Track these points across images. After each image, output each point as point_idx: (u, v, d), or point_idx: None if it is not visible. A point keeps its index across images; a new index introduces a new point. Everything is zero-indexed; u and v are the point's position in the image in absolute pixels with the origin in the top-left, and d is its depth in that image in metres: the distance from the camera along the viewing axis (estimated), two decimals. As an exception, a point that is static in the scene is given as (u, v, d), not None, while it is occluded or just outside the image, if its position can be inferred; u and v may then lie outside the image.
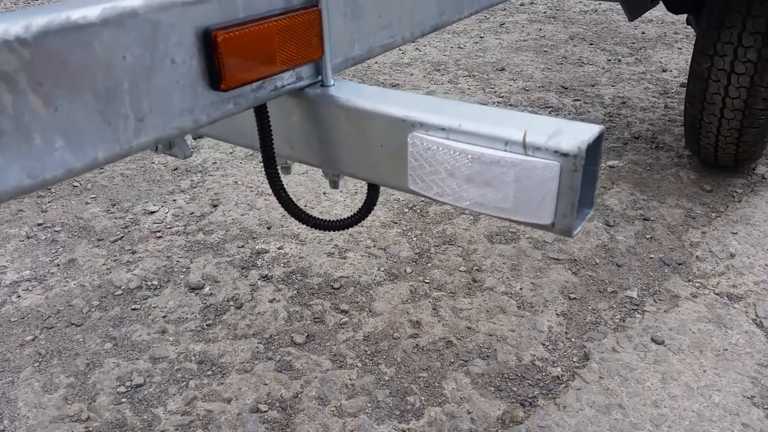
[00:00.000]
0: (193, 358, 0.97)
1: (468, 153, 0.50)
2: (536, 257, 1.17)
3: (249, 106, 0.54)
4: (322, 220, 0.63)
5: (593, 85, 2.09)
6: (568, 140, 0.46)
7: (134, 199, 1.44)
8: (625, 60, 2.32)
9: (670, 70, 2.20)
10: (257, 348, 0.99)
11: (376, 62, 2.40)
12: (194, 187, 1.47)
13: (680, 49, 2.42)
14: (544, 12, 3.11)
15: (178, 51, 0.46)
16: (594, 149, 0.47)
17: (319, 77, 0.60)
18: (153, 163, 1.59)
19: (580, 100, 1.96)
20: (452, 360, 0.95)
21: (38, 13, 0.40)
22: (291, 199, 0.62)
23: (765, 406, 0.84)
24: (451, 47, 2.56)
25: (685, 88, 1.47)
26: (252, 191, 1.44)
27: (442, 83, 2.16)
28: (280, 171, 0.63)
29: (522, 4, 3.27)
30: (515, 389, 0.89)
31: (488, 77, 2.21)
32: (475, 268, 1.15)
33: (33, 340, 1.02)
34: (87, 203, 1.43)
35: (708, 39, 1.25)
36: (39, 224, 1.35)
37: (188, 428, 0.85)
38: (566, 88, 2.06)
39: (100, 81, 0.42)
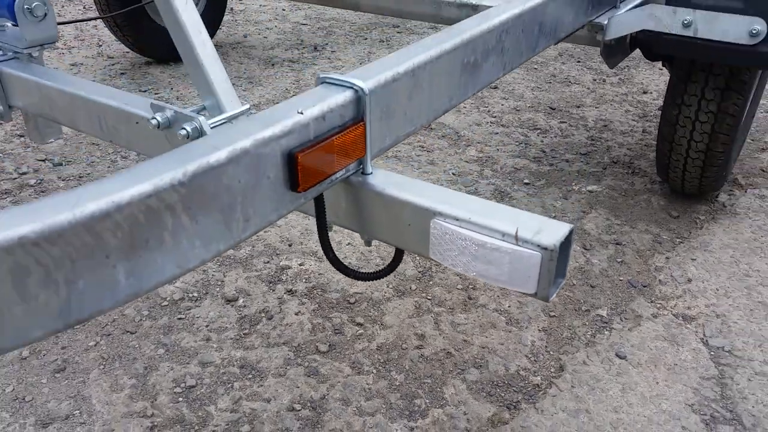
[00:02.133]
0: (235, 363, 1.16)
1: (475, 240, 0.69)
2: (523, 279, 1.36)
3: (314, 197, 0.72)
4: (361, 273, 0.82)
5: (578, 107, 2.28)
6: (547, 237, 0.65)
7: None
8: (609, 80, 2.51)
9: (650, 92, 2.40)
10: (288, 355, 1.18)
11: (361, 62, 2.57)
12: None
13: (660, 69, 2.61)
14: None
15: (271, 170, 0.65)
16: (566, 242, 0.66)
17: (361, 166, 0.78)
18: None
19: (566, 122, 2.15)
20: (451, 369, 1.15)
21: (189, 161, 0.58)
22: (339, 259, 0.81)
23: (702, 413, 1.05)
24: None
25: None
26: (273, 209, 1.62)
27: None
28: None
29: (515, 14, 3.43)
30: (503, 395, 1.09)
31: (482, 96, 2.38)
32: (471, 286, 1.34)
33: (95, 345, 1.21)
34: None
35: (677, 91, 1.44)
36: (85, 237, 1.52)
37: (237, 424, 1.05)
38: (554, 109, 2.24)
39: (224, 199, 0.61)
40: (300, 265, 1.42)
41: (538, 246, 0.65)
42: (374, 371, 1.14)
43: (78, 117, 1.05)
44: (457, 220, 0.70)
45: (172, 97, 2.33)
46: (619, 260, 1.43)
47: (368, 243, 0.84)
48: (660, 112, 2.01)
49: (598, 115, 2.21)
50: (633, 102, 2.31)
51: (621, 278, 1.38)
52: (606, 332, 1.22)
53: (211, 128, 0.85)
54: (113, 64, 2.65)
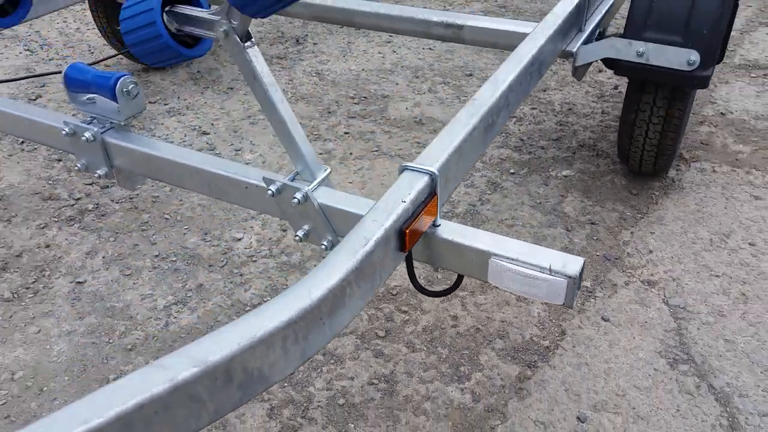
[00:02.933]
0: (318, 352, 1.50)
1: (522, 272, 1.03)
2: (524, 262, 1.73)
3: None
4: (435, 291, 1.16)
5: (545, 90, 2.62)
6: (570, 269, 1.00)
7: (220, 228, 1.91)
8: (569, 62, 2.84)
9: (605, 71, 2.75)
10: (356, 342, 1.53)
11: (363, 70, 2.83)
12: (261, 214, 1.95)
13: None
14: (495, 1, 3.56)
15: (391, 243, 0.97)
16: (582, 271, 1.01)
17: (433, 220, 1.10)
18: (222, 193, 2.04)
19: (536, 108, 2.49)
20: (481, 341, 1.52)
21: (354, 256, 0.89)
22: (419, 283, 1.14)
23: (667, 357, 1.45)
24: (423, 48, 3.01)
25: (617, 91, 1.99)
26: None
27: (424, 92, 2.64)
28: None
29: (475, -10, 3.69)
30: (523, 357, 1.47)
31: (460, 84, 2.69)
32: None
33: (203, 349, 1.52)
34: (184, 234, 1.89)
35: (633, 99, 1.80)
36: (156, 255, 1.81)
37: (334, 398, 1.40)
38: (525, 96, 2.57)
39: (371, 272, 0.93)
40: (344, 265, 1.75)
41: (565, 275, 1.00)
42: (425, 348, 1.51)
43: (185, 180, 1.33)
44: (509, 259, 1.04)
45: (182, 107, 2.56)
46: (594, 238, 1.82)
47: (435, 269, 1.18)
48: (614, 90, 2.34)
49: (563, 99, 2.56)
50: (591, 82, 2.66)
51: (597, 253, 1.76)
52: (592, 300, 1.61)
53: (312, 192, 1.17)
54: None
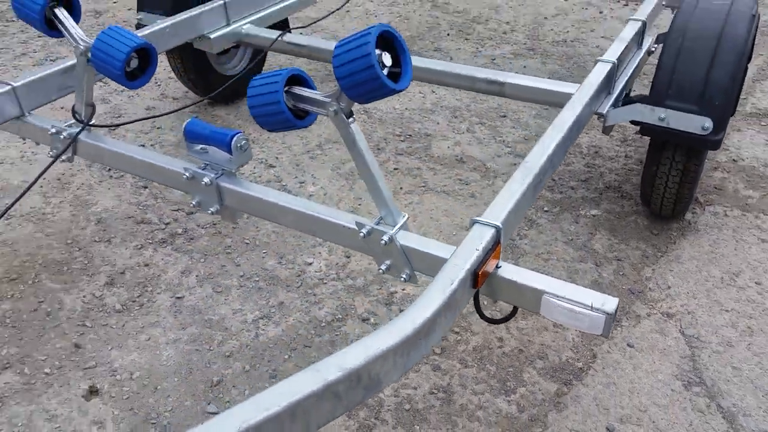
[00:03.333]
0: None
1: (569, 308, 1.30)
2: (559, 292, 2.00)
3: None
4: (495, 319, 1.44)
5: (574, 133, 2.90)
6: (608, 307, 1.27)
7: (293, 253, 2.20)
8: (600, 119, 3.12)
9: (628, 117, 3.02)
10: (417, 358, 1.80)
11: (407, 109, 3.13)
12: (327, 242, 2.24)
13: (635, 91, 3.24)
14: (524, 43, 3.85)
15: (467, 283, 1.25)
16: (617, 309, 1.28)
17: (497, 263, 1.38)
18: (292, 222, 2.34)
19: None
20: (524, 360, 1.79)
21: (442, 295, 1.17)
22: (484, 313, 1.42)
23: (682, 380, 1.72)
24: (459, 90, 3.30)
25: (639, 135, 2.25)
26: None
27: (463, 132, 2.93)
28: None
29: (505, 33, 3.99)
30: (560, 376, 1.74)
31: (495, 125, 2.98)
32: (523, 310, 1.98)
33: (289, 358, 1.81)
34: (263, 257, 2.18)
35: (655, 155, 2.08)
36: (241, 276, 2.10)
37: (401, 404, 1.67)
38: (556, 138, 2.85)
39: (454, 309, 1.21)
40: (403, 290, 2.03)
41: (604, 312, 1.27)
42: (475, 365, 1.78)
43: (287, 220, 1.62)
44: (559, 297, 1.32)
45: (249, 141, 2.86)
46: (621, 273, 2.09)
47: (495, 301, 1.45)
48: (636, 135, 2.60)
49: (590, 142, 2.84)
50: (616, 127, 2.93)
51: (624, 287, 2.03)
52: (619, 329, 1.88)
53: (395, 235, 1.45)
54: (180, 105, 3.14)
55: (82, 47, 1.73)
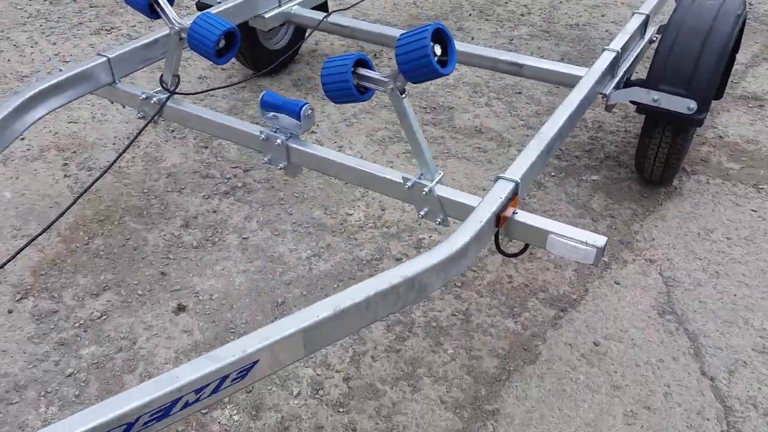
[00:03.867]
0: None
1: (569, 244, 1.69)
2: (561, 242, 2.40)
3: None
4: (508, 253, 1.83)
5: (580, 109, 3.26)
6: (599, 243, 1.65)
7: (336, 205, 2.59)
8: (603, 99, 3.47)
9: (629, 96, 3.37)
10: (442, 288, 2.21)
11: (432, 84, 3.49)
12: (364, 197, 2.63)
13: (637, 74, 3.58)
14: (540, 25, 4.18)
15: (492, 222, 1.64)
16: (605, 245, 1.67)
17: (514, 210, 1.77)
18: (334, 180, 2.73)
19: (573, 124, 3.14)
20: (529, 293, 2.20)
21: (473, 231, 1.57)
22: (501, 247, 1.81)
23: (658, 310, 2.12)
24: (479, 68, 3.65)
25: (639, 114, 2.62)
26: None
27: (482, 106, 3.30)
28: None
29: (522, 15, 4.33)
30: (559, 305, 2.15)
31: (511, 100, 3.35)
32: (532, 248, 2.37)
33: (337, 287, 2.22)
34: (310, 208, 2.58)
35: (648, 129, 2.45)
36: (294, 222, 2.50)
37: (429, 322, 2.08)
38: (564, 113, 3.22)
39: (477, 246, 1.60)
40: (430, 237, 2.43)
41: (595, 246, 1.66)
42: (489, 295, 2.19)
43: (343, 175, 2.01)
44: (561, 236, 1.71)
45: (291, 108, 3.23)
46: (613, 228, 2.48)
47: (511, 239, 1.85)
48: (635, 113, 2.96)
49: (594, 117, 3.21)
50: (618, 106, 3.30)
51: (615, 238, 2.43)
52: (608, 270, 2.28)
53: (434, 187, 1.84)
54: (230, 76, 3.52)
55: (177, 28, 2.11)
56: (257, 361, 1.28)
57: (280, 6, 3.02)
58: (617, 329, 2.05)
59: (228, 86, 3.35)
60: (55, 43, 3.82)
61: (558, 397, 1.85)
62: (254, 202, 2.59)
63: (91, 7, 4.35)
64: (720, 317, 2.09)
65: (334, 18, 3.01)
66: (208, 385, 1.23)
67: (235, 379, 1.27)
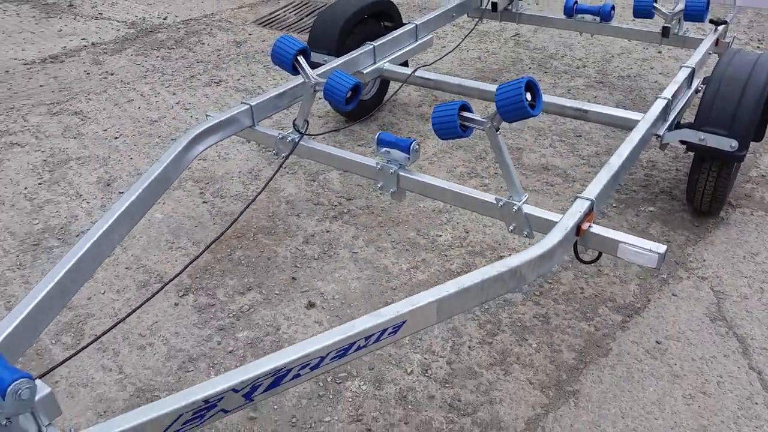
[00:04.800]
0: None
1: (635, 251, 2.11)
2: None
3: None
4: (584, 260, 2.26)
5: (635, 151, 3.69)
6: (660, 250, 2.07)
7: (426, 228, 3.06)
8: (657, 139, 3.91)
9: (679, 139, 3.79)
10: (523, 296, 2.63)
11: (500, 127, 3.97)
12: (450, 222, 3.10)
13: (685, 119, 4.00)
14: (595, 77, 4.67)
15: (573, 232, 2.08)
16: (665, 252, 2.09)
17: (590, 223, 2.20)
18: (423, 207, 3.21)
19: (629, 164, 3.57)
20: (599, 302, 2.60)
21: (555, 241, 2.01)
22: (579, 255, 2.24)
23: (710, 317, 2.50)
24: (542, 114, 4.13)
25: (686, 154, 3.02)
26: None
27: (546, 147, 3.76)
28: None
29: (578, 67, 4.82)
30: (624, 311, 2.54)
31: (573, 143, 3.80)
32: (599, 266, 2.79)
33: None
34: (406, 230, 3.06)
35: (697, 165, 2.87)
36: (393, 241, 2.98)
37: (512, 315, 2.51)
38: (621, 154, 3.65)
39: (560, 251, 2.04)
40: (509, 254, 2.88)
41: (658, 253, 2.08)
42: (564, 303, 2.60)
43: (444, 197, 2.49)
44: (629, 244, 2.14)
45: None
46: (669, 251, 2.88)
47: (587, 249, 2.28)
48: (684, 154, 3.38)
49: (648, 158, 3.63)
50: (671, 149, 3.72)
51: (671, 260, 2.82)
52: (666, 285, 2.67)
53: (522, 206, 2.30)
54: (326, 122, 4.09)
55: (313, 81, 2.66)
56: (405, 321, 1.74)
57: (375, 63, 3.58)
58: (675, 331, 2.44)
59: (342, 128, 3.92)
60: (174, 93, 4.47)
61: (627, 382, 2.24)
62: (359, 224, 3.09)
63: (197, 62, 5.03)
64: (765, 324, 2.46)
65: (419, 72, 3.55)
66: (373, 335, 1.69)
67: (390, 332, 1.73)
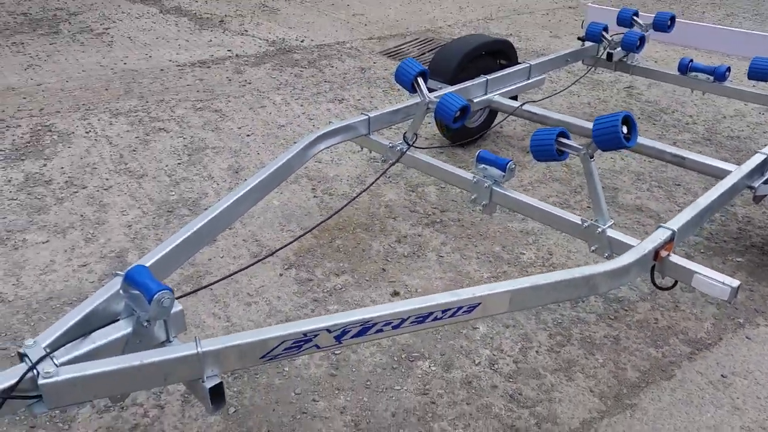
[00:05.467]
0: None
1: (709, 282, 2.21)
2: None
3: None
4: (660, 287, 2.40)
5: (732, 206, 3.72)
6: (734, 284, 2.17)
7: (511, 246, 3.26)
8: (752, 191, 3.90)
9: (782, 201, 3.77)
10: (596, 317, 2.77)
11: (599, 168, 4.12)
12: (536, 243, 3.28)
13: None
14: (702, 134, 4.70)
15: (651, 256, 2.23)
16: (738, 287, 2.18)
17: (669, 252, 2.34)
18: (510, 227, 3.42)
19: (725, 216, 3.61)
20: (671, 333, 2.69)
21: (638, 256, 2.17)
22: (655, 280, 2.38)
23: (783, 363, 2.52)
24: (643, 160, 4.23)
25: None
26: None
27: (643, 191, 3.86)
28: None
29: (687, 123, 4.87)
30: (695, 345, 2.62)
31: (670, 189, 3.88)
32: (671, 307, 2.87)
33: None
34: (491, 245, 3.27)
35: (791, 219, 2.90)
36: (479, 252, 3.21)
37: (585, 339, 2.65)
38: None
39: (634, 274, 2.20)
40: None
41: (731, 286, 2.18)
42: (636, 330, 2.71)
43: (533, 215, 2.70)
44: (704, 275, 2.25)
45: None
46: (751, 299, 2.91)
47: (663, 277, 2.41)
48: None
49: (745, 213, 3.65)
50: (765, 204, 3.71)
51: (752, 307, 2.85)
52: (742, 329, 2.71)
53: (607, 228, 2.47)
54: (432, 143, 4.41)
55: (427, 100, 2.99)
56: (480, 304, 1.97)
57: (486, 94, 3.87)
58: (743, 369, 2.49)
59: (446, 146, 4.23)
60: (302, 105, 4.97)
61: (686, 405, 2.32)
62: (448, 233, 3.35)
63: (325, 81, 5.54)
64: (840, 378, 2.45)
65: (527, 106, 3.80)
66: (449, 309, 1.94)
67: (465, 311, 1.97)
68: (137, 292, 1.72)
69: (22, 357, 1.60)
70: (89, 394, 1.60)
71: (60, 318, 1.71)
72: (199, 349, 1.66)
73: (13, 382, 1.50)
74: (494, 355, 2.54)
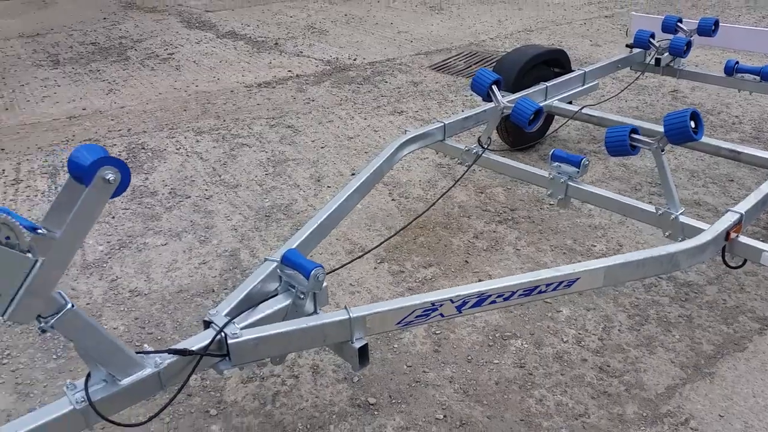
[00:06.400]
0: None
1: None
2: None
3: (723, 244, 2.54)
4: (730, 265, 2.64)
5: (787, 198, 3.92)
6: None
7: (582, 239, 3.53)
8: (807, 181, 4.10)
9: (835, 192, 3.97)
10: (669, 299, 3.02)
11: (656, 165, 4.36)
12: (605, 236, 3.55)
13: (843, 176, 4.15)
14: (750, 132, 4.91)
15: (723, 237, 2.48)
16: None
17: (737, 233, 2.59)
18: (579, 222, 3.69)
19: (780, 207, 3.82)
20: (739, 312, 2.92)
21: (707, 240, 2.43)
22: (726, 260, 2.62)
23: None
24: (696, 158, 4.46)
25: None
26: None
27: (699, 186, 4.10)
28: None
29: (733, 123, 5.08)
30: (764, 322, 2.85)
31: (724, 185, 4.10)
32: (740, 285, 3.11)
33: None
34: (564, 238, 3.54)
35: None
36: (552, 245, 3.48)
37: (635, 332, 2.90)
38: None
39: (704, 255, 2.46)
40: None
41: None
42: (706, 309, 2.95)
43: (608, 205, 2.97)
44: (770, 252, 2.50)
45: (541, 175, 4.29)
46: (813, 280, 3.13)
47: (733, 256, 2.65)
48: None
49: (800, 204, 3.85)
50: (823, 197, 3.91)
51: (814, 288, 3.08)
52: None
53: (679, 215, 2.74)
54: (494, 149, 4.70)
55: (502, 105, 3.29)
56: (578, 279, 2.25)
57: (545, 100, 4.16)
58: (812, 341, 2.72)
59: (507, 150, 4.52)
60: (365, 119, 5.32)
61: (762, 372, 2.56)
62: (521, 229, 3.63)
63: (382, 96, 5.89)
64: None
65: (585, 110, 4.07)
66: (552, 283, 2.22)
67: (565, 285, 2.25)
68: (292, 271, 2.04)
69: (206, 324, 1.93)
70: (265, 352, 1.92)
71: (229, 293, 2.04)
72: (350, 315, 1.97)
73: (207, 341, 1.84)
74: (580, 333, 2.81)
